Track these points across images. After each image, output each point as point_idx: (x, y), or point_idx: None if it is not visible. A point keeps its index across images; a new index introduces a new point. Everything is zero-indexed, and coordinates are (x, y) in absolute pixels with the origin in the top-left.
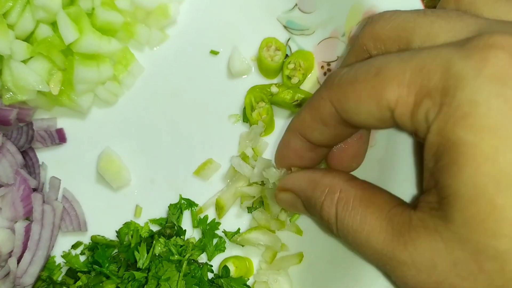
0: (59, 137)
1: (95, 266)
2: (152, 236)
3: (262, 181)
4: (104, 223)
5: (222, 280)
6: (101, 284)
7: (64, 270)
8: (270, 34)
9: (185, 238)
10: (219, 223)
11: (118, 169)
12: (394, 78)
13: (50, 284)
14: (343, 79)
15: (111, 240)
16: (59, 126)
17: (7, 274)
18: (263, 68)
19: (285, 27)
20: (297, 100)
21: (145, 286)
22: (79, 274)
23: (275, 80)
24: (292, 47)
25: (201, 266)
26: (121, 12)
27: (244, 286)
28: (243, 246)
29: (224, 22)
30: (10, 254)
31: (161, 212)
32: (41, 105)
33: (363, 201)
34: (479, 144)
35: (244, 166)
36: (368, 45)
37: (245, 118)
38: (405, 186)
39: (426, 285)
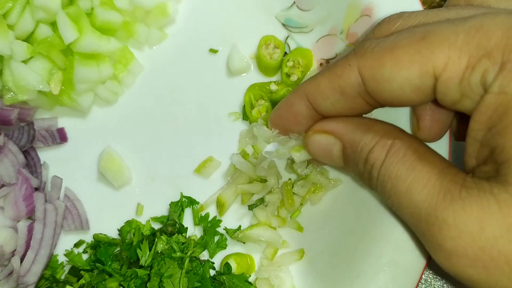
0: (60, 137)
1: (98, 264)
2: (154, 234)
3: (263, 179)
4: (106, 221)
5: (224, 277)
6: (104, 282)
7: (67, 268)
8: (268, 32)
9: (187, 236)
10: (220, 221)
11: (119, 167)
12: (444, 41)
13: (53, 283)
14: (380, 46)
15: (113, 238)
16: (60, 125)
17: (10, 273)
18: (262, 66)
19: (283, 25)
20: None
21: (148, 284)
22: (81, 272)
23: (274, 78)
24: (291, 44)
25: (203, 263)
26: (120, 12)
27: (246, 283)
28: (244, 243)
29: (222, 20)
30: (13, 253)
31: (162, 210)
32: (42, 105)
33: (417, 152)
34: None
35: (245, 164)
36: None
37: (245, 116)
38: None
39: (467, 250)
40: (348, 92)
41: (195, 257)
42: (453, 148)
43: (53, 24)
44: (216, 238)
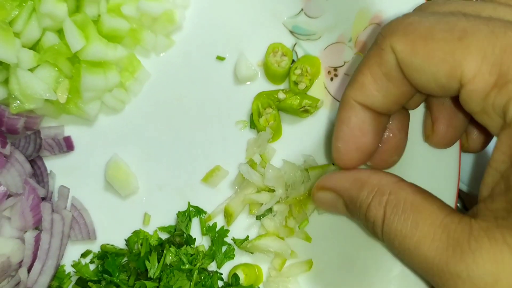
0: (67, 145)
1: (105, 275)
2: (161, 244)
3: (271, 188)
4: (113, 231)
5: None
6: None
7: (74, 279)
8: (276, 39)
9: (194, 246)
10: (228, 231)
11: (126, 177)
12: (480, 50)
13: None
14: (414, 28)
15: (120, 249)
16: (66, 133)
17: (17, 284)
18: (270, 74)
19: (291, 32)
20: (304, 106)
21: None
22: (89, 283)
23: (282, 86)
24: (299, 52)
25: (211, 274)
26: (127, 19)
27: None
28: (252, 253)
29: (229, 27)
30: (20, 264)
31: (169, 219)
32: (48, 113)
33: (414, 205)
34: None
35: (253, 174)
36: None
37: (252, 124)
38: None
39: None
40: (393, 75)
41: (203, 268)
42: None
43: (60, 32)
44: (224, 248)
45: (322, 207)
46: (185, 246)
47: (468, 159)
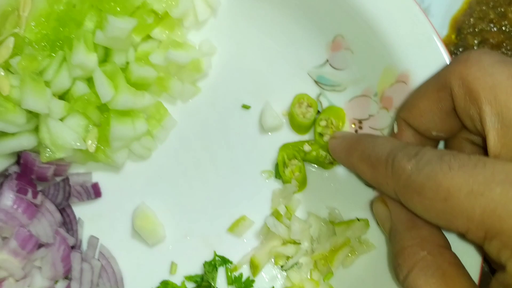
0: (95, 192)
1: None
2: None
3: (296, 241)
4: (140, 279)
5: None
6: None
7: None
8: (300, 89)
9: None
10: (253, 281)
11: (154, 226)
12: (463, 212)
13: None
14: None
15: None
16: (93, 180)
17: None
18: (295, 124)
19: (315, 82)
20: (330, 158)
21: None
22: None
23: (306, 136)
24: (323, 102)
25: None
26: (155, 67)
27: None
28: None
29: (255, 75)
30: None
31: (195, 268)
32: (76, 160)
33: (444, 277)
34: None
35: (279, 227)
36: (454, 83)
37: (278, 175)
38: None
39: None
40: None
41: None
42: None
43: (89, 80)
44: None
45: (376, 216)
46: None
47: None
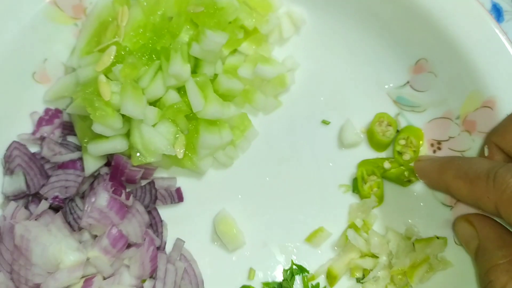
0: (178, 196)
1: None
2: None
3: (375, 255)
4: (219, 283)
5: None
6: None
7: None
8: (379, 107)
9: None
10: None
11: (234, 232)
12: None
13: None
14: None
15: None
16: (177, 185)
17: None
18: (374, 142)
19: (395, 101)
20: (409, 177)
21: None
22: None
23: (383, 153)
24: (401, 121)
25: None
26: (241, 80)
27: None
28: None
29: (335, 92)
30: None
31: (272, 275)
32: (162, 164)
33: None
34: None
35: (359, 239)
36: None
37: (355, 189)
38: None
39: None
40: None
41: None
42: None
43: (179, 89)
44: None
45: (459, 234)
46: None
47: None
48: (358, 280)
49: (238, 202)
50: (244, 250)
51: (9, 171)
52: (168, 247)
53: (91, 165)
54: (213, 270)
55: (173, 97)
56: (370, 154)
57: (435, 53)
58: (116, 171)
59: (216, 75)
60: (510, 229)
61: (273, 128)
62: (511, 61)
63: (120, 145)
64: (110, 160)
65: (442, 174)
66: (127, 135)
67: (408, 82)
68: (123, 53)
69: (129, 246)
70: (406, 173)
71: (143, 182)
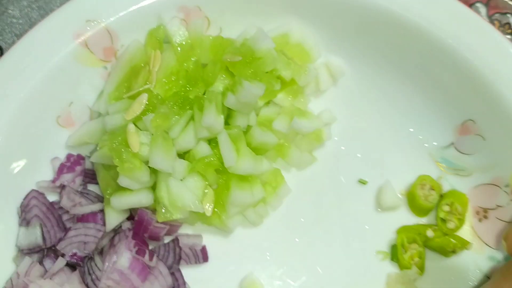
0: (203, 257)
1: None
2: None
3: None
4: None
5: None
6: None
7: None
8: (421, 168)
9: None
10: None
11: None
12: None
13: None
14: None
15: None
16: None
17: None
18: (415, 206)
19: (438, 163)
20: (454, 248)
21: None
22: None
23: (424, 219)
24: (444, 184)
25: None
26: (276, 133)
27: None
28: None
29: (373, 149)
30: None
31: None
32: (187, 221)
33: None
34: None
35: None
36: None
37: (394, 257)
38: None
39: None
40: None
41: None
42: None
43: (210, 141)
44: None
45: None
46: None
47: None
48: None
49: (266, 264)
50: None
51: (25, 222)
52: None
53: (113, 219)
54: None
55: (204, 149)
56: (410, 218)
57: (484, 116)
58: (140, 227)
59: (249, 127)
60: None
61: (306, 185)
62: None
63: (145, 199)
64: (133, 214)
65: None
66: (153, 187)
67: (452, 143)
68: (155, 101)
69: None
70: (451, 244)
71: (167, 239)
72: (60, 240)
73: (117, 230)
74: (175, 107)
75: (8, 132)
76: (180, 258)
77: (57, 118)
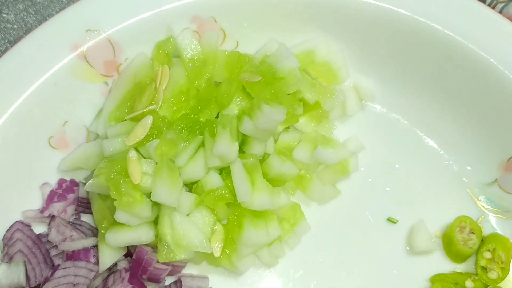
0: None
1: None
2: None
3: None
4: None
5: None
6: None
7: None
8: (459, 207)
9: None
10: None
11: None
12: None
13: None
14: None
15: None
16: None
17: None
18: (452, 251)
19: (478, 202)
20: None
21: None
22: None
23: (462, 266)
24: (485, 226)
25: None
26: (296, 163)
27: None
28: None
29: (406, 185)
30: None
31: None
32: (193, 260)
33: None
34: None
35: None
36: None
37: None
38: None
39: None
40: None
41: None
42: None
43: (221, 170)
44: None
45: None
46: None
47: None
48: None
49: None
50: None
51: (7, 257)
52: None
53: (108, 258)
54: None
55: (214, 180)
56: (445, 265)
57: None
58: (138, 268)
59: (266, 155)
60: None
61: (327, 222)
62: None
63: (145, 236)
64: (131, 250)
65: None
66: (155, 222)
67: (496, 180)
68: (161, 125)
69: None
70: None
71: (168, 279)
72: (46, 280)
73: (112, 269)
74: (183, 132)
75: None
76: None
77: (49, 138)
